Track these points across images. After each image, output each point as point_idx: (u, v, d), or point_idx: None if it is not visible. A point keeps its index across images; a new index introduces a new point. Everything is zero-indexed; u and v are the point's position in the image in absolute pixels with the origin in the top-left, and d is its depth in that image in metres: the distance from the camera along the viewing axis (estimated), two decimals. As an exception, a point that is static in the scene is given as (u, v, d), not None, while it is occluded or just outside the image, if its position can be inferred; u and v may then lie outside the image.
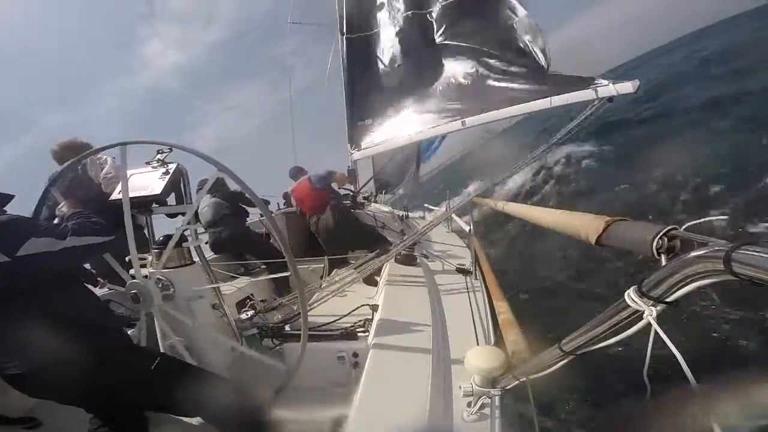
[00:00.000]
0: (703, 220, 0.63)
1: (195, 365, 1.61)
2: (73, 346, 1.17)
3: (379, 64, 4.23)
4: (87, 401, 1.37)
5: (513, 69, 2.93)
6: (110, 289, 2.09)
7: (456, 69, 3.36)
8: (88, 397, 1.34)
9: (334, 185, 3.81)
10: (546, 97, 2.56)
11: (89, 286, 1.58)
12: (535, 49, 2.83)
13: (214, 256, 3.57)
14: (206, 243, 3.43)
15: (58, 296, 1.26)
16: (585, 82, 2.42)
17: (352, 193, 4.91)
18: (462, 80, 3.28)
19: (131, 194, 1.70)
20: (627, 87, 2.26)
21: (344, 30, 4.49)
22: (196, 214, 3.56)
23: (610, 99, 2.28)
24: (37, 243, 1.17)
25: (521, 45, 2.93)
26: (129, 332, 1.76)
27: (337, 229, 3.46)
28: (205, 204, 3.47)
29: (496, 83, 3.01)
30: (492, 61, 3.09)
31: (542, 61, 2.78)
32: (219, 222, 3.47)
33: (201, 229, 3.54)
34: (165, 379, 1.39)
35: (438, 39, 3.57)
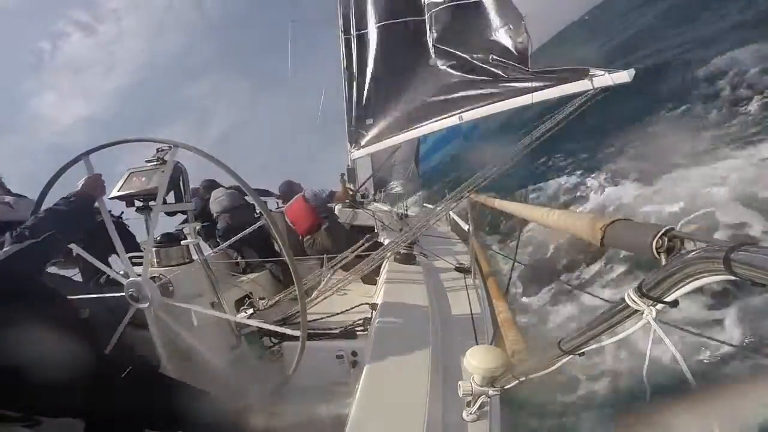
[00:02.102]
0: (698, 212, 0.62)
1: (172, 377, 1.57)
2: (37, 357, 1.15)
3: (378, 64, 4.23)
4: (57, 412, 1.33)
5: (509, 61, 2.95)
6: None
7: (452, 66, 3.38)
8: (56, 407, 1.30)
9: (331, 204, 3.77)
10: (542, 89, 2.57)
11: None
12: (525, 45, 2.86)
13: (213, 254, 3.58)
14: (217, 229, 3.57)
15: (11, 310, 1.23)
16: (580, 74, 2.42)
17: (351, 193, 4.90)
18: (459, 77, 3.29)
19: (130, 191, 1.70)
20: (623, 76, 2.27)
21: (343, 29, 4.49)
22: (199, 213, 3.64)
23: (607, 89, 2.28)
24: None
25: (513, 42, 2.95)
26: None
27: (336, 249, 3.41)
28: (221, 194, 3.60)
29: (493, 78, 3.02)
30: (484, 54, 3.11)
31: (528, 54, 2.81)
32: (235, 210, 3.56)
33: (205, 225, 3.67)
34: (133, 389, 1.35)
35: (433, 38, 3.58)
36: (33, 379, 1.14)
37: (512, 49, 2.90)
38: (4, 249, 1.26)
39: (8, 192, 2.19)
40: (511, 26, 2.97)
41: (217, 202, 3.60)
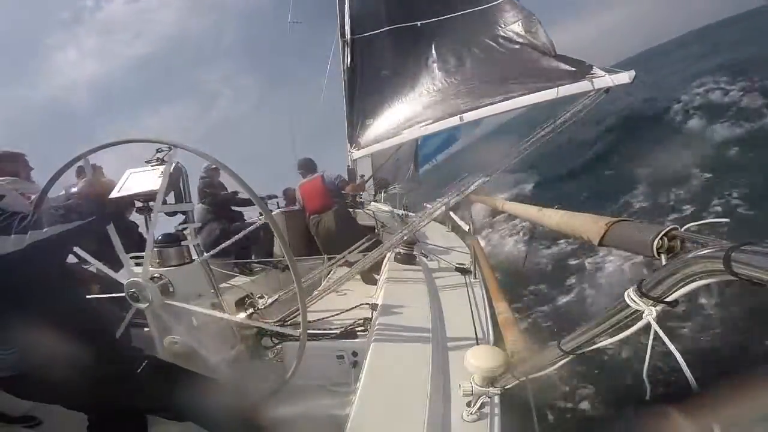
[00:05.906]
0: (704, 221, 0.62)
1: (184, 368, 1.58)
2: (56, 348, 1.17)
3: (378, 64, 4.23)
4: (73, 403, 1.36)
5: (509, 57, 2.93)
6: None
7: (451, 65, 3.37)
8: (73, 398, 1.33)
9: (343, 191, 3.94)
10: (541, 90, 2.55)
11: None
12: (534, 39, 2.82)
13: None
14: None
15: (37, 297, 1.26)
16: (583, 69, 2.40)
17: (352, 193, 4.91)
18: (457, 75, 3.29)
19: (130, 193, 1.69)
20: (623, 77, 2.23)
21: (345, 31, 4.50)
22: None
23: (607, 90, 2.26)
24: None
25: (517, 37, 2.93)
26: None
27: (338, 233, 3.48)
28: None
29: (491, 77, 3.01)
30: (486, 54, 3.10)
31: (544, 48, 2.76)
32: (201, 229, 3.58)
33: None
34: (150, 381, 1.37)
35: (435, 39, 3.58)
36: (45, 368, 1.17)
37: (526, 40, 2.86)
38: (50, 227, 1.25)
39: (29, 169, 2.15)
40: (521, 22, 2.94)
41: None
